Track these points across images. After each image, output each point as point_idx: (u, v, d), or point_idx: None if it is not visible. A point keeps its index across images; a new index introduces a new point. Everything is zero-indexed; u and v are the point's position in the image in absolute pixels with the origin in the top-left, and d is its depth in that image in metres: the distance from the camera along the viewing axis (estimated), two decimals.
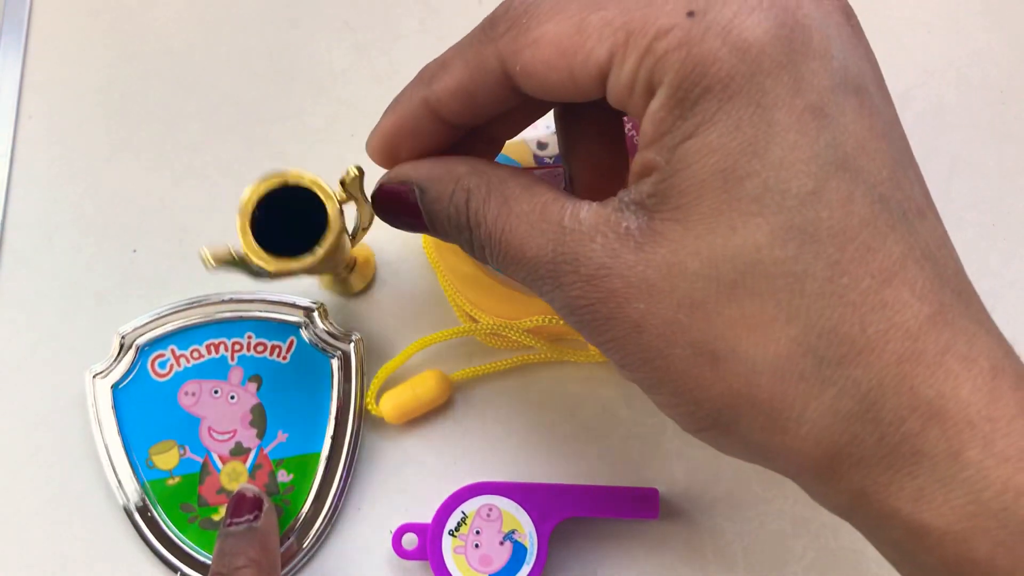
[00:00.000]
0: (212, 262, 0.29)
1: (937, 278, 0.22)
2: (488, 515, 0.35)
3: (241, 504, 0.35)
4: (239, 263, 0.30)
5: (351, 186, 0.31)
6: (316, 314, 0.38)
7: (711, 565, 0.37)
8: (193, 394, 0.37)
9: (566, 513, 0.35)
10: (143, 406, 0.37)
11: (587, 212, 0.24)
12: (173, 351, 0.37)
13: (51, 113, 0.43)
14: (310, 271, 0.31)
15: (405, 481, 0.38)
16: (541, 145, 0.38)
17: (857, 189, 0.22)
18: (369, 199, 0.30)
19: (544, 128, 0.38)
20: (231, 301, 0.38)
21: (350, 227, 0.33)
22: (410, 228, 0.29)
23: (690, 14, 0.22)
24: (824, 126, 0.22)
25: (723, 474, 0.37)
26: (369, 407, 0.37)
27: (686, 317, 0.22)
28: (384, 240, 0.40)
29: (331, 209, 0.30)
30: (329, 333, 0.38)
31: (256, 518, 0.34)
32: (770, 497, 0.37)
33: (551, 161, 0.38)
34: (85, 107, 0.43)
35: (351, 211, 0.32)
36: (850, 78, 0.22)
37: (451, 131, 0.28)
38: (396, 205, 0.28)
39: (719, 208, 0.22)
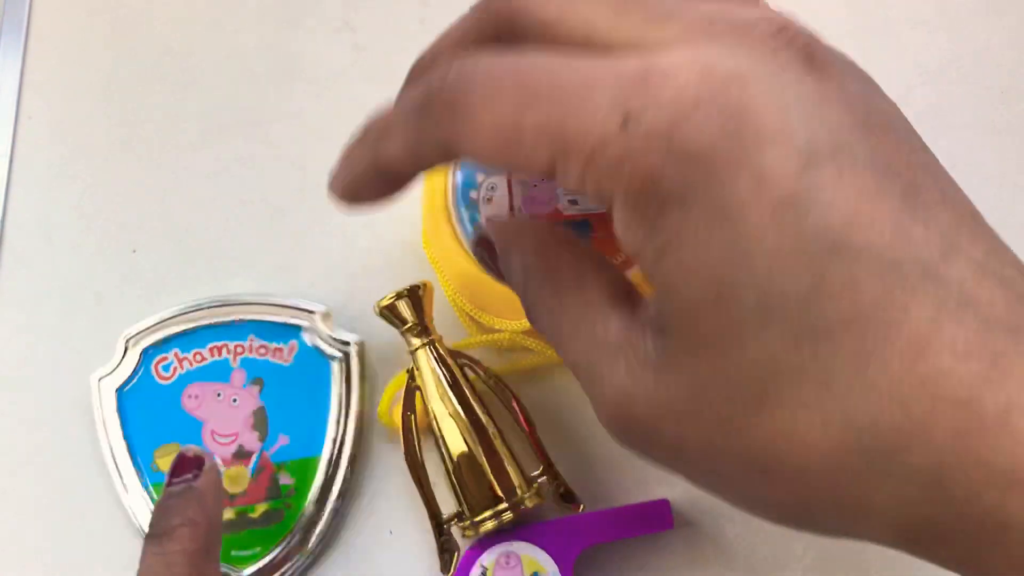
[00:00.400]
0: None
1: (982, 325, 0.19)
2: (507, 563, 0.35)
3: (182, 464, 0.33)
4: None
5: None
6: (318, 317, 0.38)
7: (712, 566, 0.37)
8: (196, 397, 0.37)
9: (584, 543, 0.35)
10: (147, 409, 0.37)
11: (615, 327, 0.23)
12: (176, 354, 0.38)
13: (51, 113, 0.43)
14: None
15: (408, 483, 0.38)
16: None
17: (859, 268, 0.19)
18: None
19: None
20: (234, 304, 0.38)
21: None
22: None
23: (625, 122, 0.20)
24: (802, 215, 0.20)
25: None
26: (383, 419, 0.37)
27: (722, 439, 0.21)
28: (385, 240, 0.41)
29: None
30: (331, 336, 0.38)
31: (195, 477, 0.33)
32: None
33: None
34: (85, 107, 0.43)
35: None
36: (820, 147, 0.20)
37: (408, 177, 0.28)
38: (488, 260, 0.29)
39: (722, 327, 0.21)
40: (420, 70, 0.29)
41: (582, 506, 0.36)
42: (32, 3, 0.44)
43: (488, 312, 0.38)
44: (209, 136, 0.42)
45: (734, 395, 0.21)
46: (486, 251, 0.29)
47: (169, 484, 0.33)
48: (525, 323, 0.36)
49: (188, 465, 0.33)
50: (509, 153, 0.22)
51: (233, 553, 0.36)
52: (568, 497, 0.36)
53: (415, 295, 0.35)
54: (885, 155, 0.21)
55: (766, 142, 0.20)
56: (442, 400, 0.35)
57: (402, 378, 0.37)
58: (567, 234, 0.27)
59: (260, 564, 0.36)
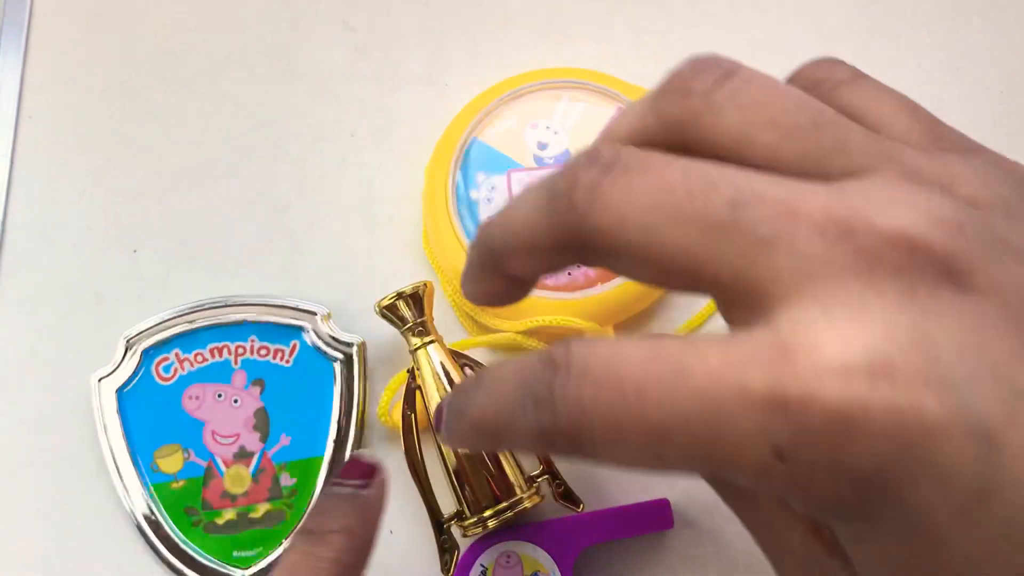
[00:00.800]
0: None
1: None
2: (507, 562, 0.35)
3: (353, 467, 0.31)
4: None
5: None
6: (319, 318, 0.38)
7: (712, 566, 0.37)
8: (197, 398, 0.37)
9: (584, 543, 0.35)
10: (147, 410, 0.37)
11: (800, 539, 0.22)
12: (177, 355, 0.38)
13: (51, 113, 0.43)
14: None
15: (408, 483, 0.38)
16: (541, 145, 0.38)
17: None
18: None
19: (544, 128, 0.38)
20: (235, 305, 0.38)
21: None
22: None
23: (780, 457, 0.18)
24: (990, 506, 0.18)
25: None
26: (382, 418, 0.37)
27: None
28: (385, 241, 0.41)
29: None
30: (332, 337, 0.38)
31: (365, 485, 0.30)
32: None
33: (551, 162, 0.38)
34: (85, 107, 0.43)
35: None
36: (993, 418, 0.18)
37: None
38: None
39: None
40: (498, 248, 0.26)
41: (582, 505, 0.36)
42: (33, 3, 0.44)
43: (488, 312, 0.38)
44: (209, 136, 0.42)
45: None
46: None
47: (334, 484, 0.30)
48: (524, 324, 0.36)
49: (360, 471, 0.31)
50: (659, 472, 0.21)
51: (235, 554, 0.36)
52: (568, 496, 0.36)
53: (416, 295, 0.35)
54: None
55: (937, 439, 0.18)
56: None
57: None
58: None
59: (262, 564, 0.36)
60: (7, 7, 0.44)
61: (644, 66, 0.43)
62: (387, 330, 0.37)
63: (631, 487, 0.37)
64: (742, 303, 0.20)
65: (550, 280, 0.36)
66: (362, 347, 0.38)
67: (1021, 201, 0.20)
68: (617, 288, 0.36)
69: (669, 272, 0.20)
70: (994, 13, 0.44)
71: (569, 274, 0.36)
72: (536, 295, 0.36)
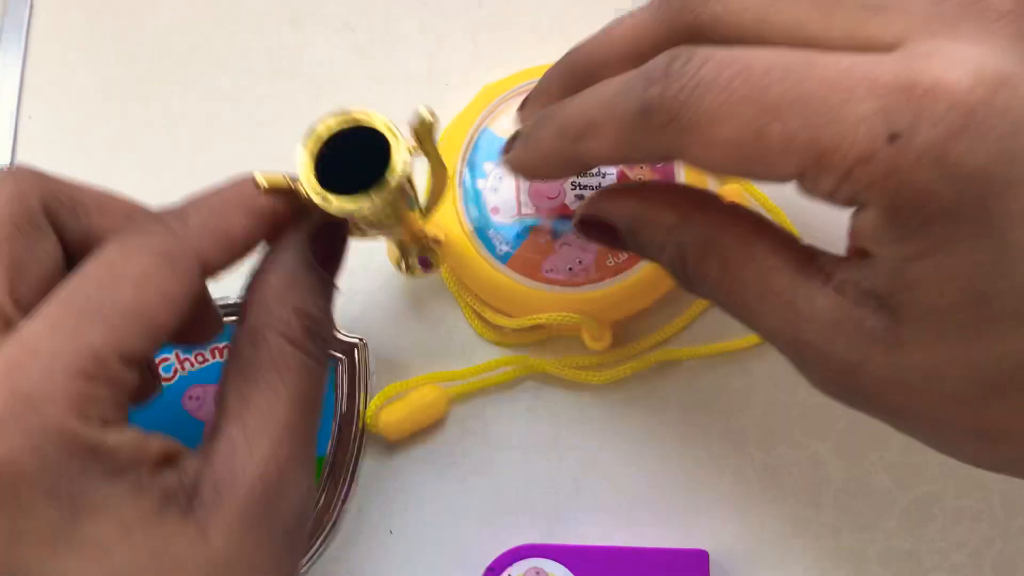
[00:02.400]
0: (264, 184, 0.28)
1: None
2: None
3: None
4: (290, 193, 0.29)
5: (423, 134, 0.28)
6: None
7: None
8: (197, 398, 0.37)
9: (614, 575, 0.35)
10: (148, 410, 0.37)
11: (824, 302, 0.23)
12: (177, 355, 0.37)
13: (51, 113, 0.43)
14: (370, 225, 0.30)
15: (407, 480, 0.38)
16: None
17: None
18: (439, 156, 0.30)
19: None
20: (236, 304, 0.38)
21: (422, 190, 0.31)
22: (610, 247, 0.30)
23: (893, 137, 0.20)
24: None
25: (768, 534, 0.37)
26: (368, 424, 0.37)
27: (953, 411, 0.22)
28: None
29: (396, 151, 0.28)
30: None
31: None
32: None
33: None
34: (85, 107, 0.43)
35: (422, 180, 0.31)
36: None
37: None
38: (602, 237, 0.28)
39: (972, 324, 0.21)
40: (586, 61, 0.29)
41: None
42: (32, 3, 0.44)
43: (495, 307, 0.38)
44: (209, 136, 0.42)
45: (974, 379, 0.21)
46: (598, 233, 0.28)
47: None
48: (524, 320, 0.37)
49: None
50: (748, 164, 0.22)
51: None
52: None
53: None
54: None
55: None
56: None
57: (389, 391, 0.37)
58: (708, 195, 0.26)
59: None
60: (7, 7, 0.44)
61: None
62: (387, 331, 0.37)
63: (671, 532, 0.37)
64: None
65: (551, 273, 0.36)
66: (362, 347, 0.38)
67: None
68: (617, 285, 0.37)
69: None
70: None
71: (571, 269, 0.36)
72: (537, 287, 0.36)
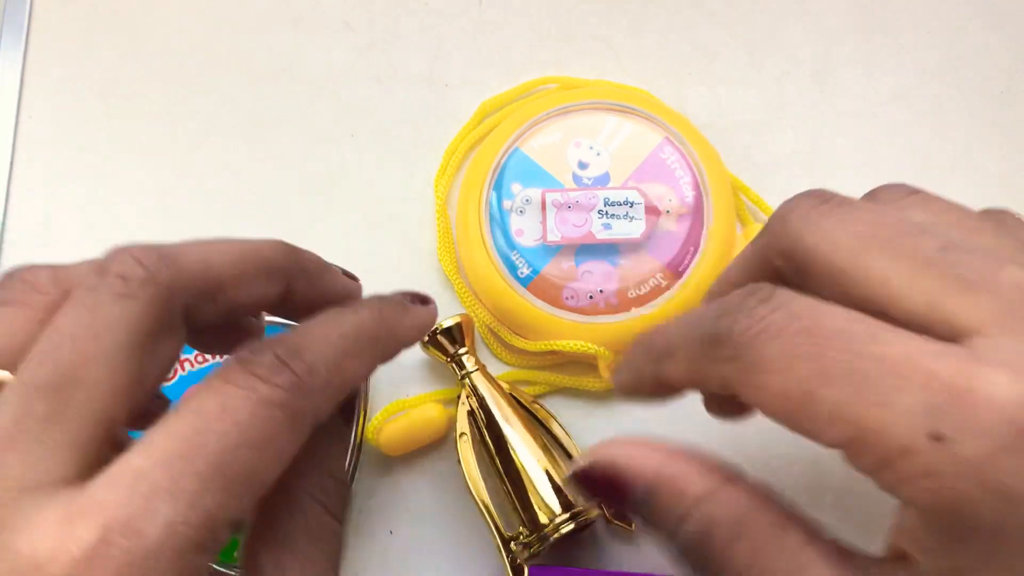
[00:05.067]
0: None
1: None
2: None
3: (408, 294, 0.29)
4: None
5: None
6: None
7: None
8: None
9: None
10: None
11: None
12: None
13: (51, 113, 0.43)
14: None
15: (408, 482, 0.38)
16: (582, 164, 0.38)
17: None
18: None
19: (587, 148, 0.38)
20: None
21: None
22: (612, 508, 0.27)
23: (936, 438, 0.19)
24: None
25: None
26: (369, 438, 0.37)
27: None
28: (389, 244, 0.41)
29: None
30: None
31: (414, 301, 0.28)
32: None
33: (590, 183, 0.38)
34: (85, 107, 0.43)
35: None
36: None
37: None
38: (606, 494, 0.24)
39: None
40: (707, 296, 0.28)
41: (634, 524, 0.35)
42: (32, 3, 0.44)
43: (509, 331, 0.38)
44: (209, 136, 0.42)
45: None
46: (603, 489, 0.24)
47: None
48: (541, 345, 0.37)
49: (415, 296, 0.29)
50: (797, 421, 0.21)
51: (236, 554, 0.36)
52: (621, 516, 0.35)
53: (460, 323, 0.36)
54: None
55: None
56: (507, 420, 0.35)
57: (392, 407, 0.37)
58: (738, 470, 0.24)
59: None
60: (7, 7, 0.44)
61: (644, 66, 0.43)
62: None
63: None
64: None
65: (571, 300, 0.36)
66: None
67: None
68: (637, 318, 0.37)
69: (858, 300, 0.22)
70: (994, 13, 0.44)
71: (591, 297, 0.36)
72: (556, 313, 0.36)
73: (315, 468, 0.26)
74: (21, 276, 0.23)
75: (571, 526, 0.33)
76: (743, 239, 0.38)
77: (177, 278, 0.23)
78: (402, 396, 0.38)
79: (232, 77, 0.43)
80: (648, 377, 0.26)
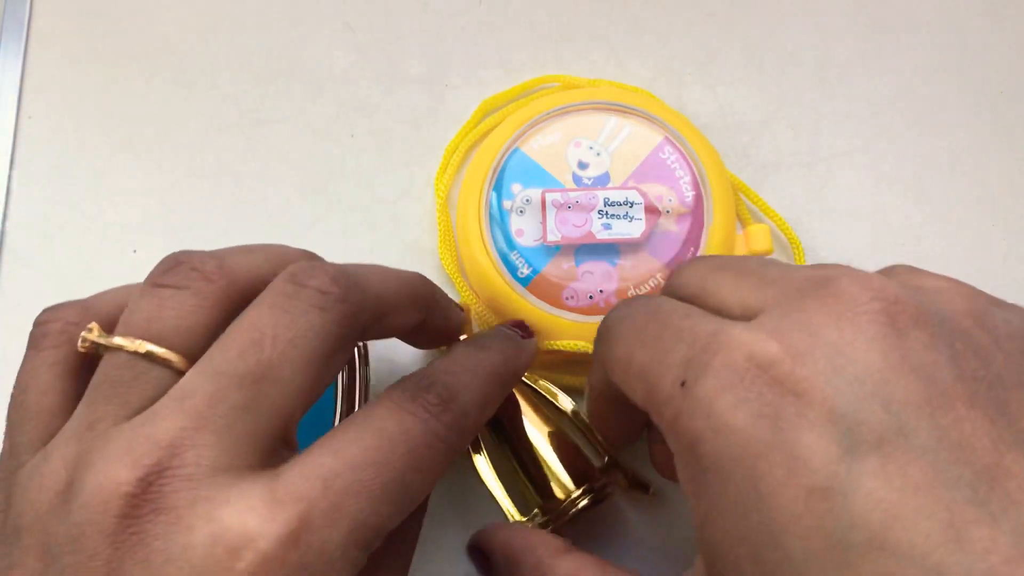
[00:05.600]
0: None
1: None
2: None
3: (516, 324, 0.35)
4: None
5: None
6: None
7: None
8: None
9: None
10: None
11: None
12: None
13: (51, 113, 0.43)
14: None
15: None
16: (582, 164, 0.38)
17: (896, 570, 0.18)
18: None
19: (587, 148, 0.38)
20: None
21: None
22: None
23: (683, 383, 0.22)
24: (835, 506, 0.19)
25: None
26: None
27: None
28: (389, 243, 0.41)
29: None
30: None
31: (524, 336, 0.33)
32: None
33: (590, 183, 0.38)
34: (85, 107, 0.43)
35: None
36: (865, 434, 0.19)
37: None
38: (479, 564, 0.30)
39: None
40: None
41: (652, 488, 0.35)
42: (32, 3, 0.44)
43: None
44: (209, 136, 0.42)
45: None
46: (481, 561, 0.30)
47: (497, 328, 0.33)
48: (544, 345, 0.36)
49: (521, 327, 0.35)
50: (623, 381, 0.25)
51: None
52: (637, 483, 0.36)
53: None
54: (963, 435, 0.19)
55: (807, 425, 0.19)
56: (513, 399, 0.35)
57: None
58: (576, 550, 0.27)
59: None
60: (7, 7, 0.44)
61: (644, 66, 0.43)
62: (400, 344, 0.37)
63: (671, 539, 0.37)
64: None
65: (571, 300, 0.36)
66: (364, 348, 0.38)
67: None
68: None
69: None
70: (994, 13, 0.44)
71: (591, 297, 0.36)
72: (556, 313, 0.36)
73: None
74: (189, 261, 0.25)
75: (586, 500, 0.33)
76: (743, 239, 0.38)
77: (364, 300, 0.25)
78: (399, 357, 0.38)
79: (232, 77, 0.43)
80: (597, 410, 0.31)
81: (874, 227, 0.41)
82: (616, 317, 0.26)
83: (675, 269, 0.28)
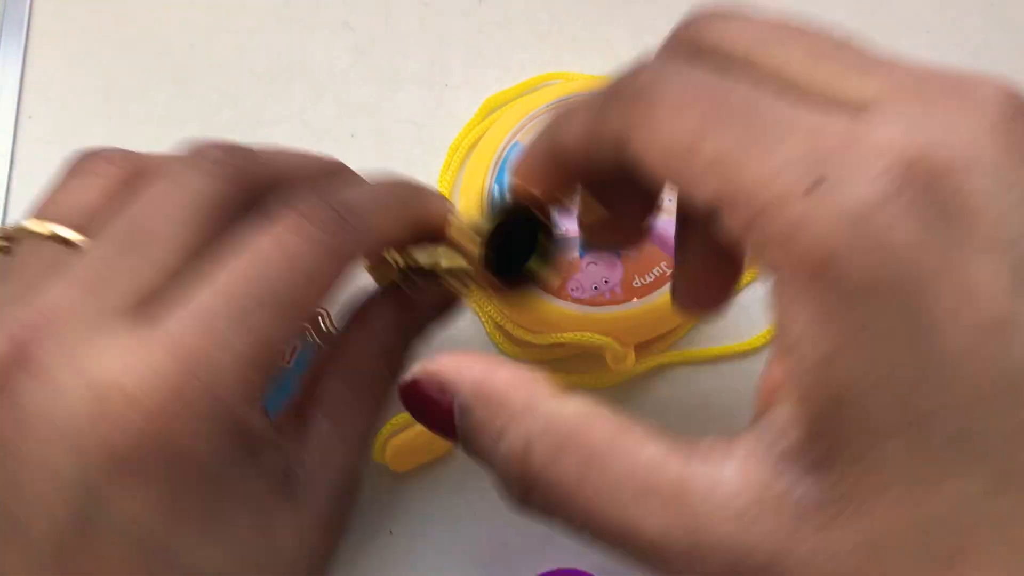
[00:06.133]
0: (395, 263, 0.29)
1: None
2: None
3: None
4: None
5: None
6: (320, 319, 0.38)
7: None
8: None
9: None
10: None
11: (729, 485, 0.18)
12: None
13: (51, 113, 0.43)
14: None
15: (408, 483, 0.38)
16: None
17: None
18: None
19: None
20: None
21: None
22: (441, 434, 0.24)
23: (811, 190, 0.17)
24: (1011, 343, 0.17)
25: None
26: (374, 454, 0.37)
27: None
28: None
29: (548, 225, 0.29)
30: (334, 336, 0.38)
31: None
32: None
33: None
34: (85, 107, 0.43)
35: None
36: None
37: (581, 178, 0.26)
38: (426, 409, 0.23)
39: (914, 461, 0.17)
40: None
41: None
42: (32, 3, 0.44)
43: (516, 324, 0.38)
44: (209, 136, 0.42)
45: (923, 549, 0.17)
46: (422, 404, 0.23)
47: None
48: (548, 338, 0.36)
49: None
50: (677, 169, 0.20)
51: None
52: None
53: None
54: None
55: (977, 250, 0.17)
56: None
57: (397, 420, 0.37)
58: (563, 388, 0.22)
59: None
60: (7, 7, 0.44)
61: None
62: None
63: None
64: None
65: (576, 291, 0.36)
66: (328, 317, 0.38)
67: None
68: (643, 307, 0.36)
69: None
70: (994, 13, 0.44)
71: (596, 288, 0.36)
72: (561, 305, 0.36)
73: (399, 348, 0.29)
74: (98, 152, 0.27)
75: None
76: None
77: (259, 171, 0.26)
78: (402, 411, 0.38)
79: (232, 77, 0.43)
80: (542, 151, 0.26)
81: None
82: (655, 79, 0.21)
83: (699, 12, 0.23)
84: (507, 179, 0.27)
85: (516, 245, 0.29)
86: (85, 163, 0.27)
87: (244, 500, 0.23)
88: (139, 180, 0.25)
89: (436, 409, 0.23)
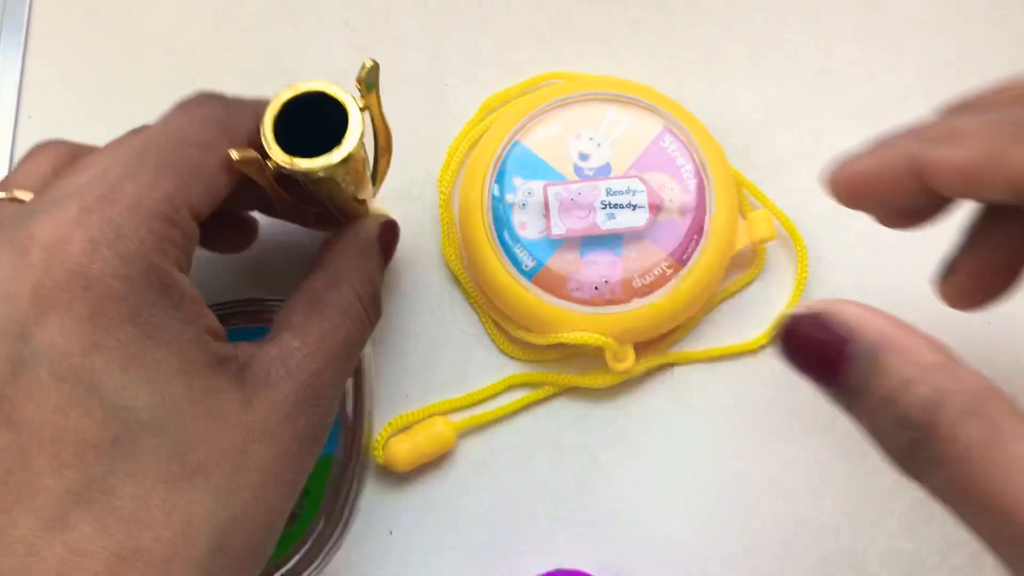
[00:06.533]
0: (236, 156, 0.29)
1: None
2: None
3: None
4: (258, 163, 0.30)
5: (369, 83, 0.31)
6: None
7: None
8: None
9: None
10: None
11: None
12: None
13: (51, 113, 0.43)
14: (327, 186, 0.31)
15: (409, 482, 0.38)
16: (583, 156, 0.38)
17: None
18: (383, 113, 0.32)
19: (588, 139, 0.38)
20: (236, 305, 0.38)
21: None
22: (811, 374, 0.23)
23: None
24: None
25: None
26: (375, 454, 0.37)
27: None
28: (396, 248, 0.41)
29: (352, 113, 0.30)
30: None
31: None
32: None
33: (592, 174, 0.38)
34: (85, 107, 0.43)
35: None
36: None
37: (912, 200, 0.27)
38: (811, 353, 0.23)
39: None
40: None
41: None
42: (32, 3, 0.44)
43: (515, 325, 0.38)
44: None
45: None
46: (809, 348, 0.23)
47: None
48: (548, 338, 0.36)
49: None
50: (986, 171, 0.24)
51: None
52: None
53: None
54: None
55: None
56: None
57: (397, 422, 0.37)
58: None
59: (282, 571, 0.35)
60: (7, 7, 0.44)
61: (644, 66, 0.43)
62: (392, 330, 0.37)
63: (672, 538, 0.37)
64: None
65: (576, 292, 0.36)
66: (368, 352, 0.38)
67: None
68: (643, 307, 0.37)
69: None
70: (994, 13, 0.44)
71: (596, 288, 0.36)
72: (561, 305, 0.36)
73: (355, 267, 0.32)
74: (51, 140, 0.32)
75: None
76: (746, 227, 0.38)
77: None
78: (402, 411, 0.38)
79: (232, 77, 0.43)
80: (899, 160, 0.26)
81: (874, 227, 0.41)
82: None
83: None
84: None
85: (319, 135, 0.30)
86: (39, 148, 0.31)
87: (167, 344, 0.25)
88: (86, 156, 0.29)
89: (819, 348, 0.23)
